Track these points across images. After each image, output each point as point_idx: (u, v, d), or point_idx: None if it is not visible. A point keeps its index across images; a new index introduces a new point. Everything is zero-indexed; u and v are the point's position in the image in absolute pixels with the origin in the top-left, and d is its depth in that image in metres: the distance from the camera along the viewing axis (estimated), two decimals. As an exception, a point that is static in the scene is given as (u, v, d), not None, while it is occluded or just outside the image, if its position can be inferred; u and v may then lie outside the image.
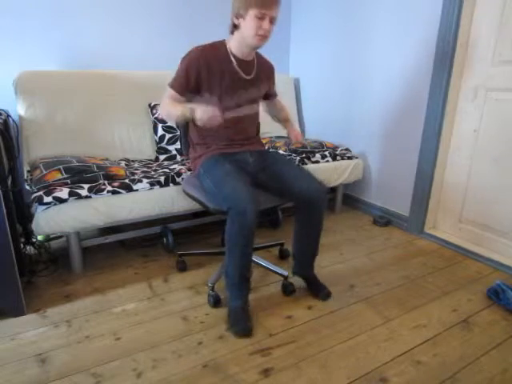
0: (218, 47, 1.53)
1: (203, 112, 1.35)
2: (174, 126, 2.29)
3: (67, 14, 2.23)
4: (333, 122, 2.82)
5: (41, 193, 1.59)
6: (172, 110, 1.47)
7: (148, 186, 1.79)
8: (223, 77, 1.52)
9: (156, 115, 2.29)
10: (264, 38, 1.44)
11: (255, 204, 1.31)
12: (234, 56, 1.54)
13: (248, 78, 1.58)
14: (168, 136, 2.29)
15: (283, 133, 2.83)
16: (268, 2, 1.36)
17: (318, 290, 1.60)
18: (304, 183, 1.48)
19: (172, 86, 1.52)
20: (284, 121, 1.81)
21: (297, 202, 1.53)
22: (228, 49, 1.53)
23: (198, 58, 1.48)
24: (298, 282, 1.67)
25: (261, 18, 1.38)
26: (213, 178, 1.47)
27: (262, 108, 1.85)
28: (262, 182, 1.61)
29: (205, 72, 1.49)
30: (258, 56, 1.65)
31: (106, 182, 1.73)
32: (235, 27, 1.47)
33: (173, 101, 1.52)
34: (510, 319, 1.50)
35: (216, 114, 1.35)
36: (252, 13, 1.37)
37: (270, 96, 1.79)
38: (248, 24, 1.40)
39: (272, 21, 1.41)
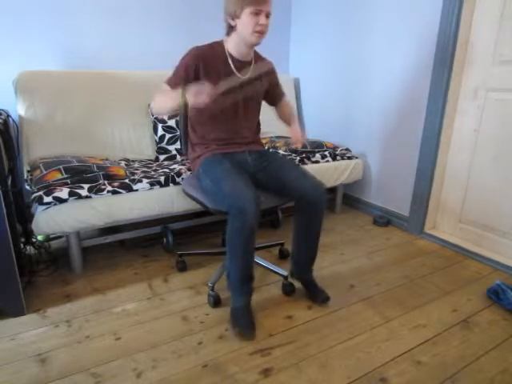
0: (216, 47, 1.53)
1: (192, 90, 1.30)
2: (174, 125, 2.30)
3: (67, 13, 2.23)
4: (333, 122, 2.82)
5: (41, 193, 1.59)
6: (166, 99, 1.42)
7: (148, 186, 1.79)
8: (220, 77, 1.52)
9: (156, 115, 2.29)
10: (262, 33, 1.45)
11: (256, 202, 1.30)
12: (231, 56, 1.54)
13: (243, 77, 1.57)
14: (168, 136, 2.29)
15: (283, 133, 2.84)
16: None
17: (316, 294, 1.57)
18: (306, 184, 1.47)
19: (167, 81, 1.51)
20: (288, 120, 1.76)
21: (298, 203, 1.52)
22: (226, 49, 1.54)
23: (197, 57, 1.48)
24: (297, 282, 1.67)
25: (257, 14, 1.40)
26: (212, 176, 1.46)
27: (274, 113, 1.84)
28: (262, 182, 1.61)
29: (202, 71, 1.50)
30: (257, 56, 1.64)
31: (105, 182, 1.73)
32: (231, 28, 1.48)
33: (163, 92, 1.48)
34: (510, 319, 1.50)
35: (203, 90, 1.29)
36: (248, 11, 1.39)
37: (277, 96, 1.77)
38: (245, 22, 1.41)
39: (267, 15, 1.43)
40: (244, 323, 1.38)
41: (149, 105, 2.33)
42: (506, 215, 1.91)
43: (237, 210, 1.30)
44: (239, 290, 1.43)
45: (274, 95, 1.77)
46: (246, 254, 1.38)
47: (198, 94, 1.30)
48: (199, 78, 1.49)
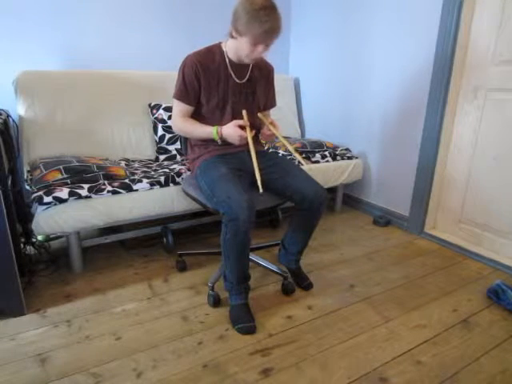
0: (214, 51, 1.52)
1: (231, 136, 1.45)
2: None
3: (67, 14, 2.23)
4: (333, 122, 2.82)
5: (41, 193, 1.59)
6: (192, 131, 1.54)
7: (148, 186, 1.79)
8: (220, 80, 1.52)
9: (156, 115, 2.29)
10: (257, 59, 1.46)
11: (249, 209, 1.30)
12: (229, 59, 1.53)
13: (241, 81, 1.57)
14: (168, 136, 2.29)
15: (284, 133, 2.83)
16: (268, 38, 1.37)
17: (301, 280, 1.68)
18: (307, 188, 1.48)
19: (177, 97, 1.53)
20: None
21: (298, 205, 1.53)
22: (224, 52, 1.53)
23: (195, 64, 1.48)
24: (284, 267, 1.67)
25: (256, 45, 1.39)
26: (207, 180, 1.47)
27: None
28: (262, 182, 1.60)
29: (203, 77, 1.50)
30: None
31: (105, 181, 1.73)
32: (232, 36, 1.44)
33: (186, 117, 1.55)
34: (510, 319, 1.50)
35: (239, 132, 1.43)
36: (251, 40, 1.37)
37: (267, 104, 1.73)
38: (243, 45, 1.40)
39: (268, 45, 1.41)
40: (244, 319, 1.40)
41: (149, 105, 2.33)
42: (506, 215, 1.91)
43: (229, 217, 1.30)
44: (236, 290, 1.45)
45: (266, 102, 1.72)
46: (241, 257, 1.39)
47: (240, 137, 1.45)
48: (201, 84, 1.51)
